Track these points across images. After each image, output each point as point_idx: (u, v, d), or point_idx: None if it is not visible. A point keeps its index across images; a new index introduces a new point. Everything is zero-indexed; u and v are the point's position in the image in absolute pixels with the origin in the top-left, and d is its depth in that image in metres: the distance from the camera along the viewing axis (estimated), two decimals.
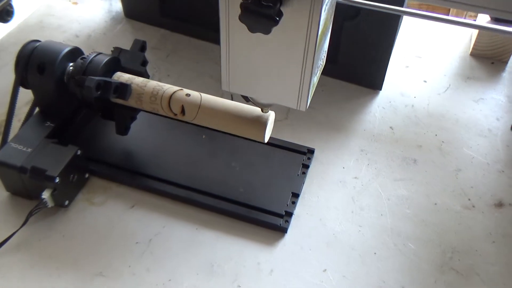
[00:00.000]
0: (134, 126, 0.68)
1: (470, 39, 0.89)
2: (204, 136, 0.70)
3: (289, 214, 0.63)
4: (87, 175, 0.66)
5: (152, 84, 0.61)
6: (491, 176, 0.69)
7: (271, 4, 0.40)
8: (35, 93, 0.65)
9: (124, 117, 0.66)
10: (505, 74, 0.84)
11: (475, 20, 0.87)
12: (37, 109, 0.67)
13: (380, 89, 0.80)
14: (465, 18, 1.01)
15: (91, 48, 0.82)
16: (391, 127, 0.75)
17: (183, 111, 0.60)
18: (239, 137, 0.62)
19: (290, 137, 0.72)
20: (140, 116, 0.69)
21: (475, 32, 0.86)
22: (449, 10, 1.30)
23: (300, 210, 0.65)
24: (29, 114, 0.66)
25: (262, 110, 0.58)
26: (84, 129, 0.70)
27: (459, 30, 0.92)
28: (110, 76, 0.62)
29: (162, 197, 0.65)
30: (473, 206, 0.66)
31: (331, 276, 0.59)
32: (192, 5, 0.84)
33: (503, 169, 0.70)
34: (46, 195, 0.60)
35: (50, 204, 0.61)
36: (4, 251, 0.59)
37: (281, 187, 0.66)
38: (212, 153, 0.69)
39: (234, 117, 0.59)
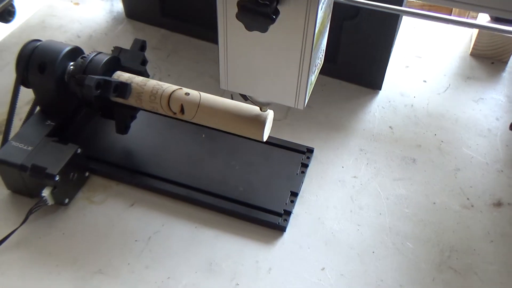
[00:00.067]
0: (134, 125, 0.68)
1: (470, 39, 0.89)
2: (203, 135, 0.71)
3: (288, 213, 0.63)
4: (87, 174, 0.67)
5: (152, 83, 0.62)
6: (490, 176, 0.69)
7: (267, 3, 0.41)
8: (36, 92, 0.66)
9: (124, 116, 0.66)
10: (505, 74, 0.84)
11: (475, 20, 0.87)
12: (38, 108, 0.67)
13: (380, 89, 0.81)
14: (467, 18, 1.01)
15: (92, 48, 0.83)
16: (390, 127, 0.76)
17: (182, 110, 0.61)
18: (238, 136, 0.62)
19: (289, 136, 0.72)
20: (140, 115, 0.69)
21: (475, 32, 0.86)
22: (451, 10, 1.30)
23: (299, 209, 0.65)
24: (30, 113, 0.67)
25: (260, 109, 0.58)
26: (84, 128, 0.71)
27: (459, 30, 0.92)
28: (110, 75, 0.63)
29: (161, 196, 0.66)
30: (472, 206, 0.66)
31: (329, 274, 0.59)
32: (192, 5, 0.85)
33: (502, 169, 0.70)
34: (46, 193, 0.60)
35: (50, 202, 0.61)
36: (4, 249, 0.60)
37: (280, 186, 0.66)
38: (211, 152, 0.69)
39: (233, 116, 0.59)
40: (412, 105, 0.79)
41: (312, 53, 0.46)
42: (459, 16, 1.16)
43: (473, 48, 0.86)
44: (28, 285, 0.57)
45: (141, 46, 0.67)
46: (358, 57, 0.78)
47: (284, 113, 0.77)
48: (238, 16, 0.42)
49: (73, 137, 0.67)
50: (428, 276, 0.59)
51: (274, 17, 0.42)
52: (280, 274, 0.59)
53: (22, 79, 0.64)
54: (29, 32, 0.88)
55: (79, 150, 0.63)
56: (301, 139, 0.72)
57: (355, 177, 0.69)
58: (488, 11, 0.58)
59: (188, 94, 0.61)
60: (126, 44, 0.68)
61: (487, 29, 0.79)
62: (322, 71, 0.78)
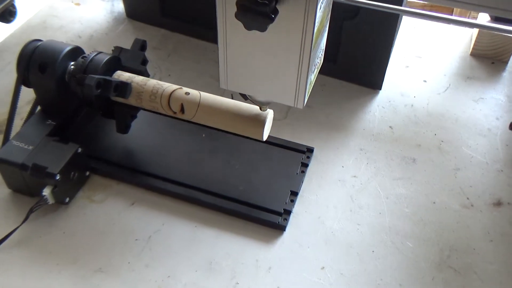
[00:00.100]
0: (134, 124, 0.69)
1: (471, 39, 0.89)
2: (203, 135, 0.71)
3: (288, 212, 0.64)
4: (87, 173, 0.67)
5: (152, 82, 0.62)
6: (490, 175, 0.69)
7: (266, 2, 0.41)
8: (36, 92, 0.66)
9: (125, 115, 0.66)
10: (506, 74, 0.84)
11: (475, 20, 0.87)
12: (38, 108, 0.68)
13: (380, 89, 0.81)
14: (468, 18, 1.01)
15: (93, 48, 0.83)
16: (390, 127, 0.76)
17: (182, 110, 0.61)
18: (239, 136, 0.62)
19: (289, 136, 0.73)
20: (140, 115, 0.69)
21: (475, 32, 0.86)
22: (453, 10, 1.30)
23: (299, 209, 0.65)
24: (31, 112, 0.67)
25: (260, 108, 0.58)
26: (85, 127, 0.71)
27: (459, 30, 0.92)
28: (111, 75, 0.63)
29: (161, 195, 0.66)
30: (472, 205, 0.66)
31: (329, 273, 0.59)
32: (192, 5, 0.85)
33: (502, 169, 0.70)
34: (47, 192, 0.60)
35: (50, 201, 0.61)
36: (5, 248, 0.60)
37: (281, 185, 0.66)
38: (212, 151, 0.70)
39: (232, 115, 0.59)
40: (412, 105, 0.79)
41: (311, 52, 0.46)
42: (459, 16, 1.17)
43: (473, 48, 0.86)
44: (28, 284, 0.57)
45: (141, 46, 0.67)
46: (358, 57, 0.78)
47: (284, 113, 0.77)
48: (237, 16, 0.43)
49: (74, 136, 0.67)
50: (428, 275, 0.59)
51: (273, 16, 0.42)
52: (280, 273, 0.59)
53: (23, 79, 0.65)
54: (30, 32, 0.89)
55: (79, 150, 0.63)
56: (301, 139, 0.72)
57: (355, 176, 0.69)
58: (488, 10, 0.58)
59: (188, 93, 0.61)
60: (127, 44, 0.69)
61: (487, 28, 0.79)
62: (322, 71, 0.79)
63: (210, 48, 0.87)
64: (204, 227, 0.63)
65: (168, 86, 0.61)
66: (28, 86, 0.66)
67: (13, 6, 0.79)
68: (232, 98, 0.61)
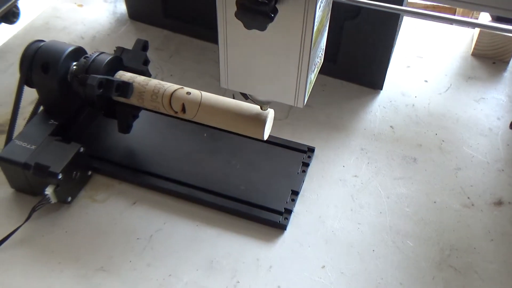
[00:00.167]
0: (136, 124, 0.69)
1: (472, 39, 0.89)
2: (205, 135, 0.71)
3: (289, 212, 0.64)
4: (89, 173, 0.67)
5: (154, 82, 0.62)
6: (491, 175, 0.70)
7: (266, 1, 0.41)
8: (39, 92, 0.67)
9: (126, 115, 0.67)
10: (507, 74, 0.84)
11: (476, 19, 0.87)
12: (41, 108, 0.68)
13: (381, 89, 0.81)
14: (469, 18, 1.01)
15: (96, 49, 0.83)
16: (391, 126, 0.76)
17: (183, 109, 0.61)
18: (240, 136, 0.63)
19: (290, 136, 0.73)
20: (142, 115, 0.70)
21: (476, 32, 0.87)
22: (455, 11, 1.30)
23: (299, 208, 0.65)
24: (34, 112, 0.68)
25: (261, 108, 0.58)
26: (87, 127, 0.71)
27: (461, 30, 0.92)
28: (113, 75, 0.63)
29: (163, 194, 0.66)
30: (472, 205, 0.66)
31: (330, 272, 0.59)
32: (194, 6, 0.85)
33: (503, 168, 0.70)
34: (49, 191, 0.61)
35: (53, 200, 0.62)
36: (7, 246, 0.60)
37: (281, 185, 0.66)
38: (213, 151, 0.70)
39: (233, 114, 0.60)
40: (413, 105, 0.79)
41: (311, 52, 0.47)
42: (460, 16, 1.17)
43: (474, 48, 0.87)
44: (31, 282, 0.58)
45: (143, 46, 0.68)
46: (359, 57, 0.78)
47: (285, 113, 0.77)
48: (237, 15, 0.43)
49: (76, 136, 0.68)
50: (428, 275, 0.59)
51: (272, 15, 0.42)
52: (281, 272, 0.60)
53: (26, 79, 0.65)
54: (33, 33, 0.89)
55: (81, 149, 0.63)
56: (302, 139, 0.73)
57: (355, 176, 0.69)
58: (489, 10, 0.58)
59: (190, 93, 0.61)
60: (129, 45, 0.69)
61: (488, 28, 0.79)
62: (323, 71, 0.79)
63: (212, 48, 0.87)
64: (205, 226, 0.63)
65: (170, 86, 0.62)
66: (30, 86, 0.66)
67: (16, 7, 0.80)
68: (234, 98, 0.61)
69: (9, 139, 0.66)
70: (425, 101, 0.80)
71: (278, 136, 0.71)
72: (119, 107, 0.65)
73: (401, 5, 0.69)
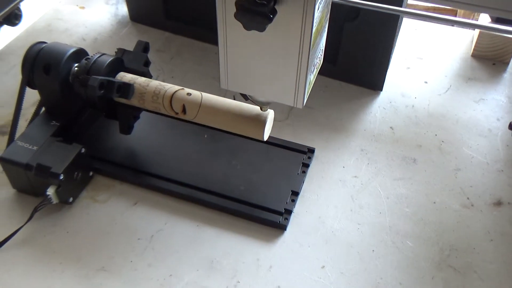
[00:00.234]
0: (137, 125, 0.69)
1: (472, 41, 0.89)
2: (205, 136, 0.72)
3: (289, 212, 0.64)
4: (91, 173, 0.68)
5: (154, 83, 0.63)
6: (491, 176, 0.70)
7: (265, 2, 0.41)
8: (41, 93, 0.67)
9: (127, 116, 0.67)
10: (506, 75, 0.84)
11: (476, 21, 0.87)
12: (43, 109, 0.68)
13: (381, 90, 0.81)
14: (470, 19, 1.01)
15: (97, 51, 0.84)
16: (391, 127, 0.76)
17: (184, 110, 0.62)
18: (240, 137, 0.63)
19: (291, 137, 0.73)
20: (143, 116, 0.70)
21: (476, 33, 0.87)
22: (456, 12, 1.30)
23: (299, 208, 0.66)
24: (36, 113, 0.68)
25: (261, 109, 0.59)
26: (88, 128, 0.72)
27: (461, 32, 0.92)
28: (114, 76, 0.64)
29: (164, 195, 0.67)
30: (472, 205, 0.66)
31: (329, 272, 0.60)
32: (196, 8, 0.86)
33: (502, 169, 0.71)
34: (50, 192, 0.61)
35: (54, 200, 0.62)
36: (9, 247, 0.61)
37: (281, 185, 0.67)
38: (213, 152, 0.70)
39: (233, 115, 0.60)
40: (413, 106, 0.79)
41: (310, 53, 0.47)
42: (461, 17, 1.17)
43: (474, 49, 0.87)
44: (32, 282, 0.58)
45: (144, 47, 0.68)
46: (359, 58, 0.78)
47: (285, 114, 0.77)
48: (236, 16, 0.43)
49: (78, 137, 0.68)
50: (428, 275, 0.60)
51: (271, 16, 0.42)
52: (281, 272, 0.60)
53: (28, 80, 0.66)
54: (35, 35, 0.90)
55: (83, 150, 0.64)
56: (303, 140, 0.73)
57: (355, 176, 0.70)
58: (488, 11, 0.58)
59: (190, 94, 0.62)
60: (131, 47, 0.69)
61: (488, 29, 0.80)
62: (324, 73, 0.80)
63: (213, 50, 0.87)
64: (205, 227, 0.64)
65: (170, 87, 0.62)
66: (32, 87, 0.67)
67: (19, 9, 0.81)
68: (234, 99, 0.62)
69: (11, 140, 0.66)
70: (425, 102, 0.80)
71: (278, 137, 0.71)
72: (120, 108, 0.66)
73: (401, 6, 0.69)
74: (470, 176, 0.70)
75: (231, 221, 0.64)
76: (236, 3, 0.43)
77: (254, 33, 0.45)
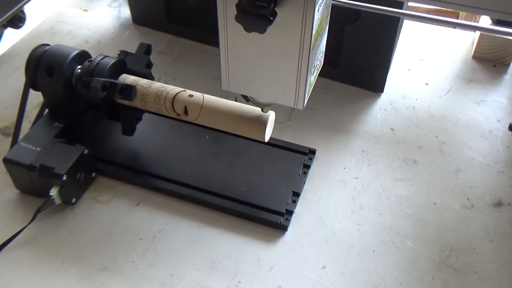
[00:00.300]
0: (139, 127, 0.70)
1: (472, 42, 0.90)
2: (207, 137, 0.72)
3: (290, 213, 0.65)
4: (93, 174, 0.68)
5: (157, 85, 0.63)
6: (491, 177, 0.70)
7: (265, 4, 0.42)
8: (44, 95, 0.68)
9: (130, 117, 0.68)
10: (507, 77, 0.85)
11: (476, 22, 0.88)
12: (46, 111, 0.69)
13: (382, 92, 0.82)
14: (471, 22, 1.02)
15: (100, 53, 0.85)
16: (392, 129, 0.77)
17: (186, 111, 0.62)
18: (242, 138, 0.63)
19: (292, 138, 0.74)
20: (145, 117, 0.71)
21: (477, 35, 0.87)
22: (458, 14, 1.31)
23: (300, 209, 0.66)
24: (39, 115, 0.69)
25: (262, 110, 0.59)
26: (91, 129, 0.72)
27: (461, 34, 0.93)
28: (116, 78, 0.64)
29: (166, 196, 0.67)
30: (472, 206, 0.67)
31: (330, 273, 0.60)
32: (197, 11, 0.87)
33: (503, 170, 0.71)
34: (53, 192, 0.62)
35: (57, 201, 0.63)
36: (12, 247, 0.61)
37: (283, 186, 0.67)
38: (215, 153, 0.71)
39: (235, 117, 0.61)
40: (414, 107, 0.80)
41: (310, 54, 0.47)
42: (462, 19, 1.17)
43: (475, 51, 0.87)
44: (35, 282, 0.59)
45: (146, 49, 0.69)
46: (360, 60, 0.79)
47: (287, 116, 0.78)
48: (237, 18, 0.44)
49: (80, 138, 0.69)
50: (428, 275, 0.60)
51: (271, 18, 0.43)
52: (281, 272, 0.60)
53: (31, 82, 0.66)
54: (39, 38, 0.91)
55: (86, 151, 0.64)
56: (304, 141, 0.73)
57: (356, 177, 0.70)
58: (489, 13, 0.59)
59: (192, 95, 0.62)
60: (133, 49, 0.70)
61: (488, 31, 0.80)
62: (325, 74, 0.80)
63: (215, 52, 0.88)
64: (207, 227, 0.64)
65: (172, 89, 0.63)
66: (36, 89, 0.67)
67: (23, 12, 0.81)
68: (236, 101, 0.62)
69: (14, 141, 0.67)
70: (425, 103, 0.80)
71: (280, 138, 0.72)
72: (123, 109, 0.66)
73: (401, 9, 0.70)
74: (470, 177, 0.70)
75: (232, 222, 0.65)
76: (236, 6, 0.43)
77: (254, 35, 0.45)
